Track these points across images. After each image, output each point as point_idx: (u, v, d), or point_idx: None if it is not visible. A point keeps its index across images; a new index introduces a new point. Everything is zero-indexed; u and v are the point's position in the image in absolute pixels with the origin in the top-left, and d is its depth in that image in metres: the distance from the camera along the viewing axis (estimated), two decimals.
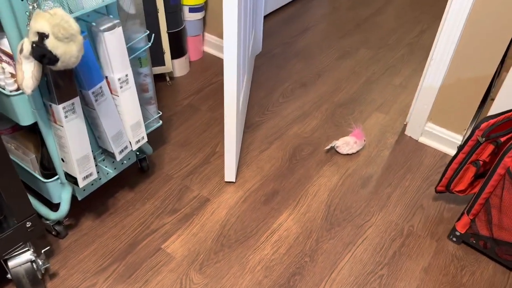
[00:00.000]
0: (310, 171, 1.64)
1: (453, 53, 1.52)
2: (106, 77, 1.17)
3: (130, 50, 1.30)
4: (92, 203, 1.48)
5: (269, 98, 2.00)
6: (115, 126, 1.23)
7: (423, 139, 1.78)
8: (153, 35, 1.39)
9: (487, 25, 1.42)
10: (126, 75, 1.19)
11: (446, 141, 1.72)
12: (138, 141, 1.33)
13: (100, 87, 1.13)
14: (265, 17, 2.59)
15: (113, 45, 1.12)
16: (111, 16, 1.12)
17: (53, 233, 1.36)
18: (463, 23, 1.44)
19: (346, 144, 1.68)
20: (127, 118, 1.26)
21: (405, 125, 1.83)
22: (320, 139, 1.78)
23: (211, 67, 2.17)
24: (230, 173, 1.56)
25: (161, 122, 1.52)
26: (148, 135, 1.49)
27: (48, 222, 1.33)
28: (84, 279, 1.28)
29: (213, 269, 1.31)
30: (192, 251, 1.36)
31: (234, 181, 1.58)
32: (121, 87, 1.19)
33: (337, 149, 1.69)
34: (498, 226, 1.25)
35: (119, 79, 1.17)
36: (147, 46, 1.35)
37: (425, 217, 1.49)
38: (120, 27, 1.11)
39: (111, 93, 1.19)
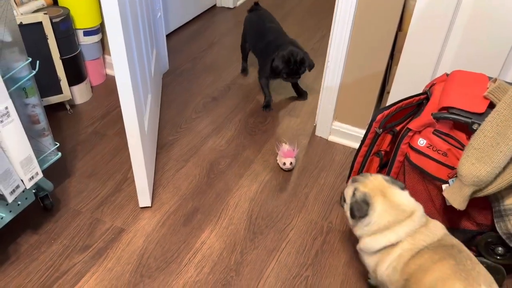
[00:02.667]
0: (229, 184, 1.62)
1: (345, 54, 1.60)
2: None
3: (11, 80, 1.19)
4: None
5: (181, 115, 1.96)
6: (0, 165, 1.10)
7: (332, 138, 1.85)
8: (37, 62, 1.28)
9: (372, 25, 1.52)
10: (6, 108, 1.09)
11: (352, 136, 1.80)
12: (31, 178, 1.21)
13: None
14: (169, 35, 2.55)
15: None
16: None
17: None
18: (350, 26, 1.53)
19: (288, 163, 1.66)
20: (15, 154, 1.14)
21: (315, 127, 1.89)
22: (236, 150, 1.77)
23: (116, 90, 2.07)
24: (144, 198, 1.49)
25: (60, 154, 1.41)
26: (47, 169, 1.37)
27: None
28: None
29: None
30: None
31: (150, 205, 1.51)
32: (1, 122, 1.08)
33: (284, 167, 1.67)
34: None
35: None
36: (32, 75, 1.24)
37: (342, 212, 1.53)
38: None
39: None
